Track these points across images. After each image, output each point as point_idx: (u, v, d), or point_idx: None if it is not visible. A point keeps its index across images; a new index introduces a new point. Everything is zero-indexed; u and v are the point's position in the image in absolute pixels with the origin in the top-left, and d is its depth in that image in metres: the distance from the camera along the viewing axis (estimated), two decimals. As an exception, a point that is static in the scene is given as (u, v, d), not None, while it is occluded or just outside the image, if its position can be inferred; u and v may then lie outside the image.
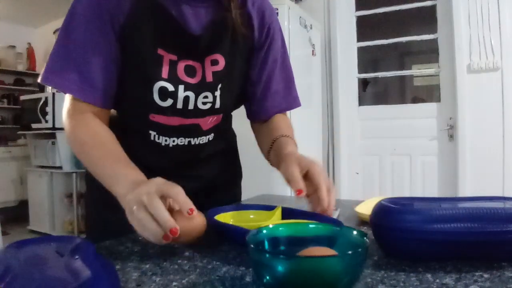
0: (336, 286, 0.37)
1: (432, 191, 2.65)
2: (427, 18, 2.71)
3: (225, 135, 0.92)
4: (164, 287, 0.43)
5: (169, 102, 0.73)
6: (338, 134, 2.94)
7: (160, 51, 0.70)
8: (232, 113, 0.94)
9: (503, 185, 2.36)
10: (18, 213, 4.25)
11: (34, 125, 3.76)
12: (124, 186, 0.58)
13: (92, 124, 0.69)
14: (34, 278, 0.37)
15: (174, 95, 0.72)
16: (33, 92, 4.50)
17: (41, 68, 4.78)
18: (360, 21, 2.94)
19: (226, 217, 0.67)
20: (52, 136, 3.62)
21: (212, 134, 0.83)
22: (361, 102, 2.99)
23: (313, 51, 2.67)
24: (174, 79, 0.72)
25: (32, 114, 3.73)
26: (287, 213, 0.68)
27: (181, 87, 0.72)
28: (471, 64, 2.42)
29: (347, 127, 2.95)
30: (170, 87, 0.71)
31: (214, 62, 0.75)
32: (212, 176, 0.90)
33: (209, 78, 0.75)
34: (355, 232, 0.43)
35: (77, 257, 0.41)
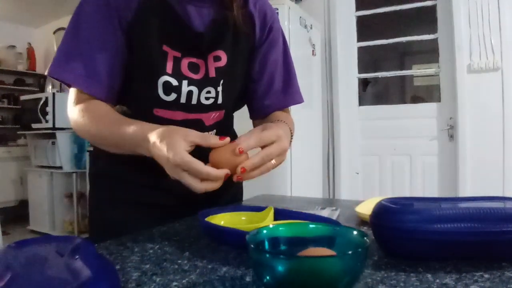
0: (336, 286, 0.37)
1: (432, 191, 2.65)
2: (427, 18, 2.71)
3: (227, 134, 0.92)
4: (164, 287, 0.43)
5: (173, 96, 0.74)
6: (338, 134, 2.94)
7: (165, 48, 0.72)
8: (233, 115, 0.94)
9: (503, 185, 2.36)
10: (18, 213, 4.25)
11: (34, 125, 3.76)
12: (145, 147, 0.62)
13: (98, 103, 0.72)
14: (34, 278, 0.37)
15: (178, 89, 0.74)
16: (33, 92, 4.50)
17: (41, 68, 4.79)
18: (360, 21, 2.94)
19: (217, 219, 0.67)
20: (52, 136, 3.62)
21: (214, 131, 0.85)
22: (361, 102, 2.99)
23: (313, 51, 2.67)
24: (178, 75, 0.74)
25: (32, 114, 3.73)
26: (279, 213, 0.68)
27: (184, 82, 0.74)
28: (471, 64, 2.42)
29: (347, 127, 2.94)
30: (174, 82, 0.73)
31: (217, 59, 0.77)
32: None
33: (212, 73, 0.77)
34: (355, 232, 0.43)
35: (77, 257, 0.41)
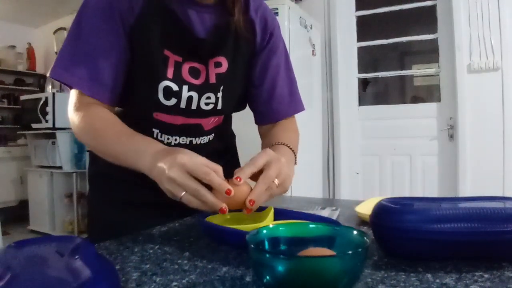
0: (336, 286, 0.37)
1: (432, 191, 2.65)
2: (427, 18, 2.71)
3: (225, 135, 0.93)
4: (164, 287, 0.43)
5: (173, 101, 0.75)
6: (338, 134, 2.94)
7: (167, 52, 0.72)
8: (232, 115, 0.94)
9: (503, 185, 2.36)
10: (18, 213, 4.24)
11: (34, 125, 3.76)
12: (145, 160, 0.61)
13: (100, 111, 0.71)
14: (34, 278, 0.37)
15: (178, 94, 0.74)
16: (33, 92, 4.50)
17: (41, 68, 4.78)
18: (360, 21, 2.94)
19: (217, 219, 0.67)
20: (52, 136, 3.62)
21: (213, 134, 0.85)
22: (361, 102, 2.99)
23: (313, 51, 2.67)
24: (178, 80, 0.74)
25: (32, 114, 3.73)
26: (279, 213, 0.68)
27: (185, 87, 0.75)
28: (471, 64, 2.42)
29: (347, 127, 2.95)
30: (175, 87, 0.74)
31: (218, 65, 0.77)
32: None
33: (213, 79, 0.77)
34: (355, 232, 0.43)
35: (77, 257, 0.41)
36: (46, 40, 4.98)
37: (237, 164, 1.00)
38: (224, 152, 0.93)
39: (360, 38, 2.93)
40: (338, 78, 2.92)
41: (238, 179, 0.57)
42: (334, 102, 2.94)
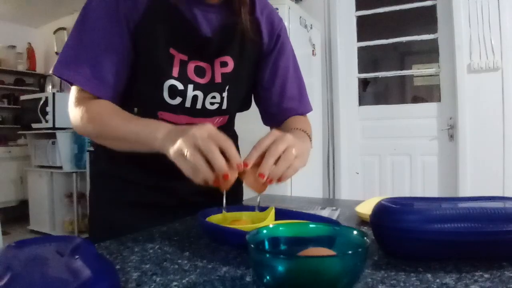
0: (336, 286, 0.37)
1: (432, 191, 2.65)
2: (427, 18, 2.70)
3: (227, 134, 0.93)
4: (164, 287, 0.43)
5: (178, 100, 0.75)
6: (338, 134, 2.94)
7: (172, 51, 0.72)
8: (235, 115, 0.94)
9: (503, 185, 2.36)
10: (18, 213, 4.25)
11: (34, 125, 3.77)
12: (161, 130, 0.60)
13: (103, 102, 0.71)
14: (34, 278, 0.37)
15: (183, 93, 0.74)
16: (33, 92, 4.50)
17: (41, 68, 4.79)
18: (360, 21, 2.94)
19: (217, 219, 0.67)
20: (52, 136, 3.62)
21: None
22: (361, 102, 2.99)
23: (313, 51, 2.67)
24: (184, 78, 0.74)
25: (32, 114, 3.73)
26: (280, 213, 0.68)
27: (190, 86, 0.75)
28: (471, 64, 2.42)
29: (347, 127, 2.95)
30: (180, 86, 0.74)
31: (224, 64, 0.78)
32: None
33: (218, 79, 0.77)
34: (355, 232, 0.43)
35: (77, 257, 0.41)
36: (46, 40, 4.98)
37: None
38: None
39: (360, 38, 2.93)
40: (338, 78, 2.92)
41: (245, 165, 0.58)
42: (334, 102, 2.94)
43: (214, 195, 0.90)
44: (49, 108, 3.58)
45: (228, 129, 0.92)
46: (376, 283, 0.43)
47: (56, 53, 4.83)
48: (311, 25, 2.62)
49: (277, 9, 2.50)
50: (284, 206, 0.83)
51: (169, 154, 0.58)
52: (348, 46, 2.93)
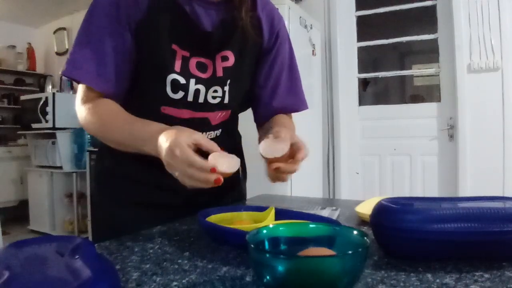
0: (336, 286, 0.37)
1: (432, 191, 2.65)
2: (427, 18, 2.70)
3: (232, 134, 0.94)
4: (164, 287, 0.43)
5: (180, 94, 0.76)
6: (338, 134, 2.94)
7: (174, 47, 0.74)
8: (238, 116, 0.95)
9: (503, 185, 2.36)
10: (18, 213, 4.24)
11: (34, 125, 3.76)
12: (151, 145, 0.65)
13: (106, 102, 0.75)
14: (34, 278, 0.37)
15: (185, 87, 0.76)
16: (33, 92, 4.50)
17: (41, 68, 4.78)
18: (360, 21, 2.94)
19: (217, 219, 0.67)
20: (52, 136, 3.62)
21: (220, 130, 0.86)
22: (361, 102, 2.99)
23: (313, 51, 2.67)
24: (186, 73, 0.75)
25: (32, 114, 3.73)
26: (280, 213, 0.68)
27: (192, 81, 0.76)
28: (471, 64, 2.42)
29: (347, 127, 2.95)
30: (182, 80, 0.75)
31: (225, 58, 0.79)
32: None
33: (220, 73, 0.78)
34: (355, 232, 0.43)
35: (77, 257, 0.41)
36: (46, 40, 4.98)
37: (243, 165, 1.00)
38: (231, 151, 0.94)
39: (360, 38, 2.93)
40: (338, 78, 2.92)
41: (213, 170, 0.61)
42: (334, 102, 2.94)
43: (219, 195, 0.90)
44: (49, 108, 3.58)
45: (232, 127, 0.92)
46: (376, 283, 0.43)
47: (56, 53, 4.83)
48: (311, 25, 2.62)
49: (277, 9, 2.49)
50: (284, 206, 0.83)
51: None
52: (348, 46, 2.93)
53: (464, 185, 2.47)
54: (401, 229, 0.48)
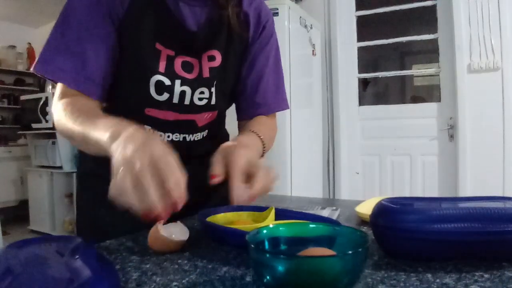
0: (336, 286, 0.37)
1: (432, 191, 2.65)
2: (427, 18, 2.71)
3: (219, 133, 0.92)
4: (164, 287, 0.43)
5: (165, 96, 0.73)
6: (338, 134, 2.94)
7: (158, 46, 0.70)
8: (225, 114, 0.94)
9: (503, 185, 2.36)
10: (18, 213, 4.25)
11: (34, 125, 3.77)
12: (114, 139, 0.51)
13: (84, 100, 0.67)
14: (34, 278, 0.37)
15: (170, 89, 0.73)
16: (33, 92, 4.50)
17: (41, 68, 4.77)
18: (360, 21, 2.94)
19: (217, 219, 0.67)
20: (53, 136, 3.62)
21: (207, 131, 0.84)
22: (361, 102, 2.99)
23: (313, 51, 2.67)
24: (171, 74, 0.72)
25: (32, 114, 3.73)
26: (280, 213, 0.68)
27: (177, 82, 0.73)
28: (471, 64, 2.42)
29: (347, 127, 2.95)
30: (167, 81, 0.72)
31: (211, 58, 0.76)
32: (205, 175, 0.90)
33: (206, 73, 0.76)
34: (355, 232, 0.43)
35: (77, 257, 0.41)
36: (46, 40, 4.97)
37: None
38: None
39: (360, 38, 2.93)
40: (338, 78, 2.92)
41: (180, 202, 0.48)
42: (334, 102, 2.94)
43: (207, 193, 0.90)
44: (49, 108, 3.58)
45: (219, 127, 0.90)
46: (376, 283, 0.43)
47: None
48: (311, 25, 2.62)
49: (277, 9, 2.48)
50: (284, 206, 0.83)
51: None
52: (348, 46, 2.93)
53: (464, 185, 2.47)
54: (401, 229, 0.48)
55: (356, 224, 0.72)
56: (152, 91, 0.72)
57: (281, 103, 0.91)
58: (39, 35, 5.13)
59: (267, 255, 0.40)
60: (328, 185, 2.99)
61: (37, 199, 3.89)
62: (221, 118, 0.90)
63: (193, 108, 0.77)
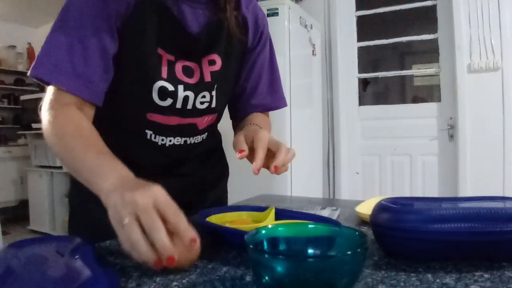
0: (336, 286, 0.37)
1: (432, 191, 2.65)
2: (427, 18, 2.71)
3: (214, 134, 0.93)
4: (164, 287, 0.43)
5: (169, 101, 0.73)
6: (338, 134, 2.94)
7: (160, 51, 0.70)
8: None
9: (503, 185, 2.36)
10: (18, 213, 4.25)
11: (34, 125, 3.77)
12: (110, 180, 0.50)
13: (74, 115, 0.63)
14: (34, 278, 0.37)
15: (174, 94, 0.72)
16: (33, 92, 4.51)
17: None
18: (360, 21, 2.94)
19: (217, 219, 0.67)
20: (52, 136, 3.61)
21: (206, 134, 0.84)
22: (361, 102, 2.99)
23: (313, 51, 2.67)
24: (173, 79, 0.72)
25: (32, 114, 3.73)
26: (279, 214, 0.68)
27: (180, 87, 0.73)
28: (471, 64, 2.42)
29: (347, 127, 2.95)
30: (170, 87, 0.71)
31: (212, 62, 0.76)
32: (201, 175, 0.90)
33: (207, 78, 0.76)
34: (355, 232, 0.43)
35: (77, 257, 0.41)
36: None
37: (224, 162, 1.00)
38: (213, 150, 0.93)
39: (360, 38, 2.93)
40: (338, 78, 2.92)
41: (193, 241, 0.45)
42: (334, 102, 2.94)
43: (202, 193, 0.90)
44: (49, 108, 3.58)
45: (216, 127, 0.91)
46: (376, 283, 0.43)
47: (56, 53, 4.82)
48: (311, 25, 2.62)
49: (277, 9, 2.47)
50: (284, 206, 0.83)
51: (109, 214, 0.47)
52: (348, 46, 2.93)
53: (464, 185, 2.47)
54: (401, 229, 0.48)
55: (356, 224, 0.72)
56: (155, 96, 0.71)
57: (278, 102, 0.91)
58: (39, 35, 5.13)
59: (266, 256, 0.40)
60: (328, 185, 2.99)
61: (37, 199, 3.89)
62: (218, 121, 0.91)
63: (195, 112, 0.77)
